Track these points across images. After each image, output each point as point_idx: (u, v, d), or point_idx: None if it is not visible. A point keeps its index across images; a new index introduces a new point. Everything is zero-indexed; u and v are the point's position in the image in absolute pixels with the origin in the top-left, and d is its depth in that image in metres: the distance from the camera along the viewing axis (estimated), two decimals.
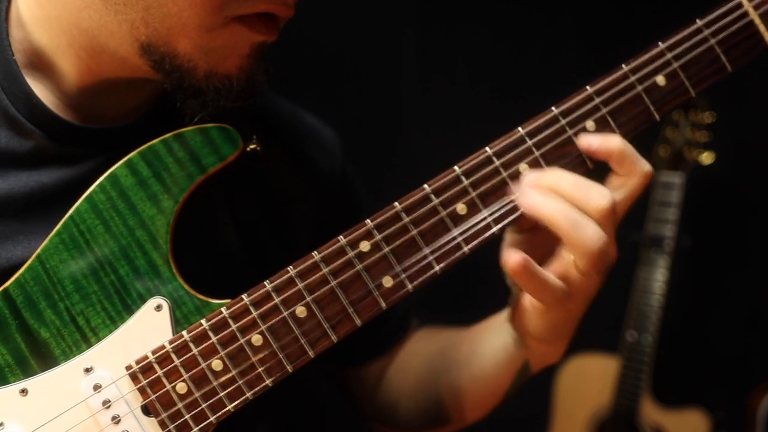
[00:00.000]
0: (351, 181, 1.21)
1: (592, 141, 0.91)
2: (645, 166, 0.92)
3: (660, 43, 0.94)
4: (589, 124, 0.93)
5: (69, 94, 0.97)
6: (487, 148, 0.92)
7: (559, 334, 0.98)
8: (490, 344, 1.07)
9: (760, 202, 2.74)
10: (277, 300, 0.90)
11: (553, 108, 0.93)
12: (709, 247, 2.70)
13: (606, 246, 0.88)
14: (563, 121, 0.92)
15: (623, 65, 0.94)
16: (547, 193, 0.88)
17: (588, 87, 0.93)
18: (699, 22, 0.95)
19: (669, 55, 0.94)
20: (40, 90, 0.96)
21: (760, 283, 2.72)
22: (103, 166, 0.94)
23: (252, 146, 0.95)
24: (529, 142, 0.92)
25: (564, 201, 0.88)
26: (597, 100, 0.93)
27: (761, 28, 0.94)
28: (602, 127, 0.93)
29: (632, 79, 0.94)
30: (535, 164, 0.92)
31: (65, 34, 0.93)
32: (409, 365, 1.21)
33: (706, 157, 2.47)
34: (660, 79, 0.94)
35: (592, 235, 0.87)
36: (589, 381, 2.58)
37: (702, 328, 2.79)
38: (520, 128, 0.92)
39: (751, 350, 2.74)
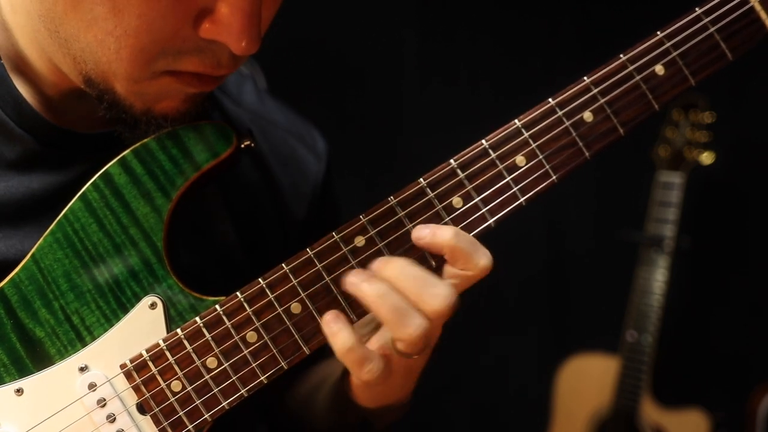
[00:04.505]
0: (334, 186, 1.20)
1: (421, 235, 0.87)
2: (481, 260, 0.87)
3: (658, 32, 0.93)
4: (587, 114, 0.92)
5: (52, 98, 0.96)
6: (483, 141, 0.91)
7: (390, 398, 0.97)
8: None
9: (760, 202, 2.74)
10: (271, 296, 0.89)
11: (549, 99, 0.92)
12: (709, 247, 2.70)
13: (430, 338, 0.87)
14: (560, 113, 0.91)
15: (621, 55, 0.92)
16: (381, 283, 0.86)
17: (585, 77, 0.92)
18: (698, 10, 0.93)
19: (668, 44, 0.93)
20: (26, 94, 0.95)
21: (760, 283, 2.72)
22: (92, 171, 0.93)
23: (246, 142, 0.94)
24: (525, 134, 0.91)
25: (394, 294, 0.85)
26: (594, 91, 0.92)
27: (762, 14, 0.93)
28: (600, 118, 0.92)
29: (630, 68, 0.92)
30: (531, 156, 0.91)
31: (33, 43, 0.93)
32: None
33: (706, 157, 2.47)
34: (659, 68, 0.92)
35: (414, 331, 0.85)
36: (589, 381, 2.57)
37: (702, 328, 2.79)
38: (516, 120, 0.91)
39: (751, 350, 2.74)
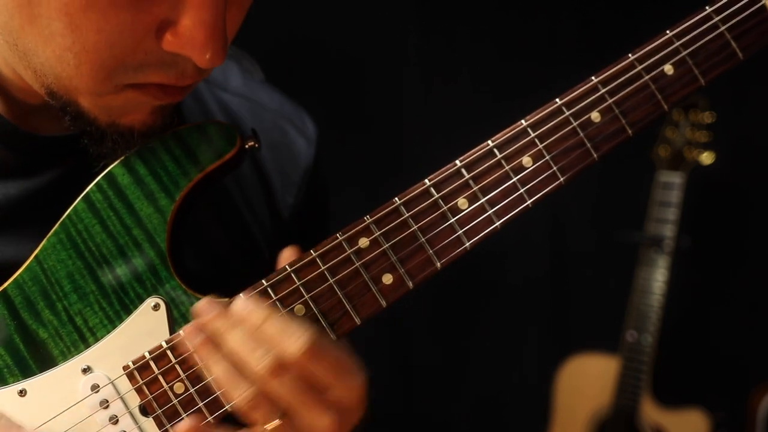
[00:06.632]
0: (323, 170, 1.19)
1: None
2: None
3: (668, 31, 0.92)
4: (594, 115, 0.91)
5: (22, 105, 0.94)
6: (489, 141, 0.90)
7: None
8: None
9: (760, 202, 2.74)
10: (274, 298, 0.89)
11: (557, 99, 0.91)
12: (709, 247, 2.71)
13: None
14: (567, 113, 0.90)
15: (629, 54, 0.91)
16: (208, 343, 0.86)
17: (593, 77, 0.91)
18: (708, 9, 0.92)
19: (677, 43, 0.91)
20: None
21: (760, 283, 2.72)
22: (66, 174, 0.92)
23: (250, 143, 0.94)
24: (532, 135, 0.90)
25: (220, 357, 0.85)
26: (602, 90, 0.91)
27: None
28: (608, 118, 0.91)
29: (639, 68, 0.91)
30: (538, 157, 0.90)
31: None
32: None
33: (706, 157, 2.47)
34: (668, 68, 0.91)
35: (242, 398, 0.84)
36: (589, 381, 2.58)
37: (702, 328, 2.79)
38: (522, 120, 0.90)
39: (751, 350, 2.74)
